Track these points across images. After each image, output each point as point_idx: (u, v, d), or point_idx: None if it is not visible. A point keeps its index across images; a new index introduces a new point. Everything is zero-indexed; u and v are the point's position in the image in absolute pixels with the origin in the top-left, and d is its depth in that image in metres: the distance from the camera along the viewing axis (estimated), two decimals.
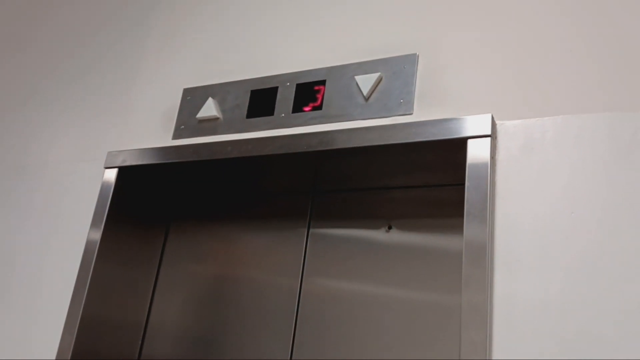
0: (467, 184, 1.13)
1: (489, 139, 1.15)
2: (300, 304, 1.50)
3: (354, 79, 1.39)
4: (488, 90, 1.24)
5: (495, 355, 1.01)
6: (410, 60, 1.35)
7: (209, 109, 1.56)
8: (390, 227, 1.47)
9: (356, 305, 1.42)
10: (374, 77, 1.36)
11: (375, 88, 1.36)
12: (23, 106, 2.01)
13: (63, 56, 2.02)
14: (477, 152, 1.15)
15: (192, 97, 1.62)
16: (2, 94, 2.10)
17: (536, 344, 0.99)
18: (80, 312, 1.49)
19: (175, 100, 1.66)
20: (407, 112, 1.30)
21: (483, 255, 1.06)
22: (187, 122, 1.60)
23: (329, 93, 1.41)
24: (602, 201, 1.04)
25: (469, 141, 1.17)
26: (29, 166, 1.86)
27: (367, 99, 1.36)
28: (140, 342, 1.68)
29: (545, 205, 1.08)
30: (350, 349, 1.39)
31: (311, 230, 1.57)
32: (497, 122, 1.19)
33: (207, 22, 1.74)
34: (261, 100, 1.51)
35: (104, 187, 1.62)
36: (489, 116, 1.17)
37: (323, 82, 1.43)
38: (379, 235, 1.47)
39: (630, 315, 0.96)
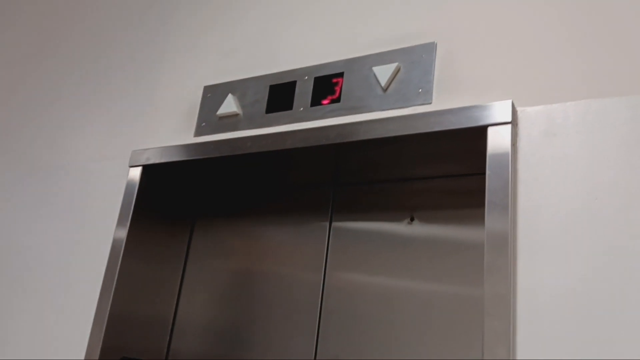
0: (487, 172, 1.11)
1: (509, 126, 1.13)
2: (323, 298, 1.50)
3: (372, 70, 1.38)
4: (508, 77, 1.22)
5: (519, 344, 0.99)
6: (428, 49, 1.33)
7: (229, 105, 1.57)
8: (412, 219, 1.45)
9: (379, 298, 1.42)
10: (391, 67, 1.35)
11: (393, 78, 1.35)
12: (49, 107, 2.05)
13: (86, 58, 2.06)
14: (497, 139, 1.13)
15: (213, 94, 1.63)
16: (30, 96, 2.15)
17: (561, 332, 0.97)
18: (109, 309, 1.51)
19: (196, 98, 1.68)
20: (426, 102, 1.29)
21: (505, 244, 1.04)
22: (208, 119, 1.61)
23: (347, 85, 1.41)
24: (626, 185, 1.01)
25: (490, 129, 1.15)
26: (56, 166, 1.90)
27: (385, 89, 1.35)
28: (168, 338, 1.70)
29: (568, 191, 1.05)
30: (374, 341, 1.38)
31: (333, 224, 1.57)
32: (518, 108, 1.16)
33: (225, 19, 1.75)
34: (280, 94, 1.51)
35: (129, 185, 1.64)
36: (509, 102, 1.15)
37: (341, 75, 1.43)
38: (401, 227, 1.46)
39: None
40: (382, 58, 1.38)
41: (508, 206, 1.07)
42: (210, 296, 1.70)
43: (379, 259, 1.46)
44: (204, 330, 1.66)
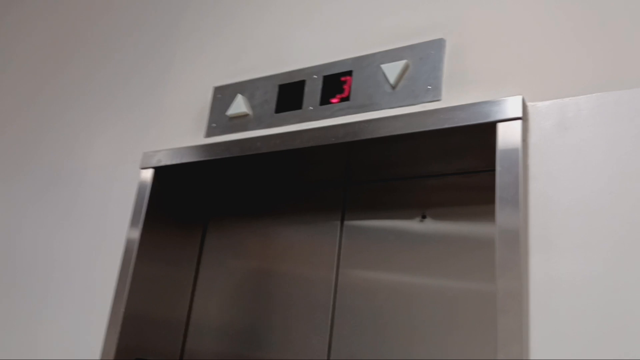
0: (498, 168, 1.10)
1: (519, 121, 1.12)
2: (336, 296, 1.50)
3: (381, 68, 1.37)
4: (518, 72, 1.21)
5: (532, 341, 0.98)
6: (437, 45, 1.32)
7: (239, 105, 1.57)
8: (424, 217, 1.45)
9: (392, 296, 1.41)
10: (400, 64, 1.34)
11: (402, 76, 1.34)
12: (64, 113, 2.07)
13: (97, 62, 2.07)
14: (507, 135, 1.12)
15: (223, 95, 1.64)
16: (46, 104, 2.17)
17: (575, 329, 0.96)
18: (123, 310, 1.52)
19: (206, 99, 1.68)
20: (436, 98, 1.28)
21: (516, 240, 1.03)
22: (218, 120, 1.61)
23: (356, 83, 1.40)
24: None
25: (499, 125, 1.14)
26: (69, 171, 1.91)
27: (394, 87, 1.34)
28: (182, 339, 1.71)
29: (581, 185, 1.04)
30: (387, 339, 1.38)
31: (345, 222, 1.57)
32: (529, 103, 1.15)
33: (233, 20, 1.76)
34: (289, 94, 1.51)
35: (140, 187, 1.65)
36: (519, 98, 1.14)
37: (350, 73, 1.42)
38: (413, 225, 1.45)
39: None
40: (391, 55, 1.38)
41: (519, 202, 1.06)
42: (224, 296, 1.70)
43: (391, 256, 1.45)
44: (217, 331, 1.67)
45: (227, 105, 1.61)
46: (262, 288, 1.64)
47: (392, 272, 1.44)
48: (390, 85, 1.34)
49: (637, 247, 0.96)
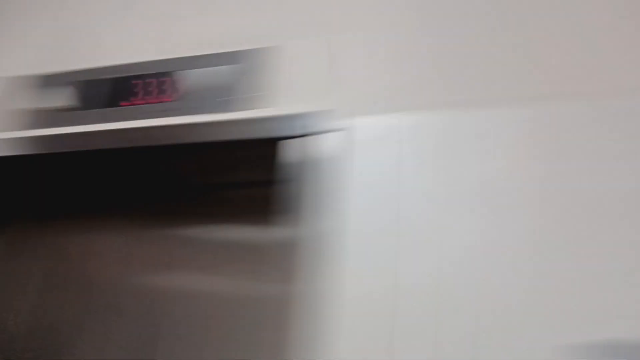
0: (286, 182, 1.12)
1: (330, 134, 1.12)
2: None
3: (199, 72, 1.32)
4: (336, 86, 1.21)
5: (321, 350, 0.97)
6: (259, 54, 1.29)
7: (30, 100, 1.45)
8: (217, 225, 1.45)
9: (184, 302, 1.39)
10: (221, 70, 1.30)
11: (224, 81, 1.29)
12: None
13: None
14: (316, 147, 1.13)
15: (13, 88, 1.49)
16: None
17: (364, 339, 0.96)
18: None
19: None
20: (254, 107, 1.24)
21: (296, 254, 1.05)
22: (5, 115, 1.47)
23: (172, 86, 1.33)
24: (432, 197, 1.02)
25: (309, 138, 1.14)
26: None
27: (214, 93, 1.29)
28: None
29: (376, 202, 1.05)
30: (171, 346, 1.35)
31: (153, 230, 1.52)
32: (340, 119, 1.14)
33: (38, 9, 1.65)
34: (95, 92, 1.40)
35: None
36: (329, 112, 1.14)
37: (168, 74, 1.35)
38: (205, 233, 1.46)
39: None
40: (210, 60, 1.33)
41: (320, 212, 1.06)
42: (24, 302, 1.57)
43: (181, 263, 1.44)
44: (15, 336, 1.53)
45: (17, 99, 1.47)
46: (60, 294, 1.54)
47: (182, 277, 1.43)
48: (210, 90, 1.29)
49: (426, 267, 0.98)
